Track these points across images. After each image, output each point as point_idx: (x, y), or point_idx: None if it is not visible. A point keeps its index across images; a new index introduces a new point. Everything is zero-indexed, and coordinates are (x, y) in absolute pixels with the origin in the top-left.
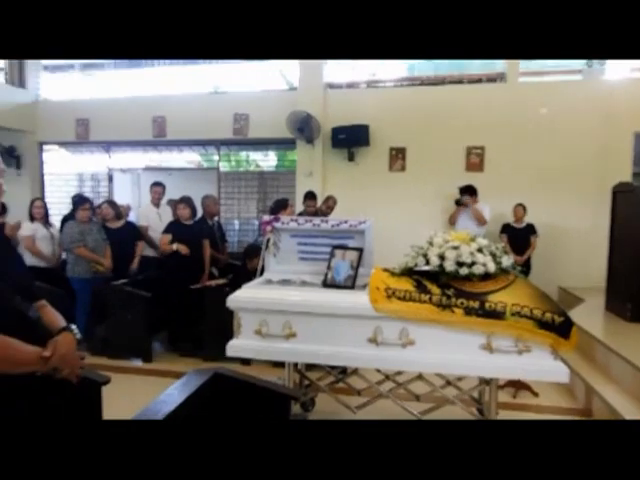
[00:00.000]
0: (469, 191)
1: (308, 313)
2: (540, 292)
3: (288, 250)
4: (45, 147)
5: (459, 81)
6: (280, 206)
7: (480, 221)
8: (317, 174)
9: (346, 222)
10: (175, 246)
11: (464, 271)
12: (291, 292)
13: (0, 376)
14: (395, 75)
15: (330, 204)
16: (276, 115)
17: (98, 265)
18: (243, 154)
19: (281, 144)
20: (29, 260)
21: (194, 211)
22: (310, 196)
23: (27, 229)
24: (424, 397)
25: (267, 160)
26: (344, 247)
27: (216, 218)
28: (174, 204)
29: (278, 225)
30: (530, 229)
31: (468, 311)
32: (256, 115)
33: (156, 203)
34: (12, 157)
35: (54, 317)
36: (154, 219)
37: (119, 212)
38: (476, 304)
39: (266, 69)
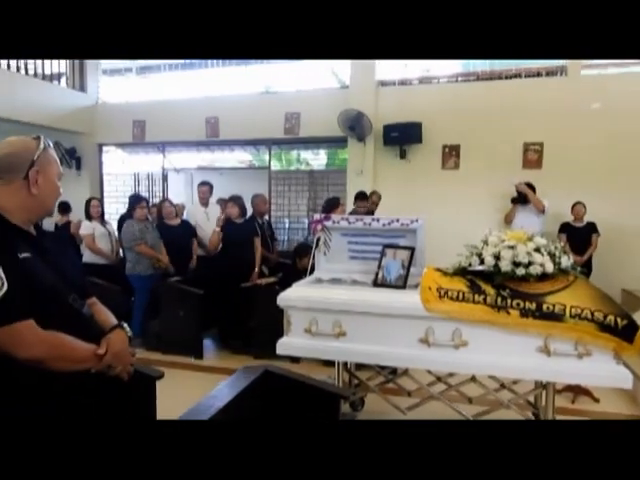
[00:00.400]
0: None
1: (358, 312)
2: (602, 294)
3: (338, 249)
4: (104, 148)
5: (516, 75)
6: (333, 205)
7: (538, 207)
8: (368, 172)
9: (397, 221)
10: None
11: (520, 271)
12: (341, 291)
13: (56, 373)
14: (449, 71)
15: (374, 199)
16: (327, 114)
17: (157, 262)
18: (294, 153)
19: (332, 142)
20: (88, 257)
21: (243, 210)
22: (361, 197)
23: (87, 227)
24: (477, 400)
25: (318, 159)
26: (395, 246)
27: (266, 217)
28: (223, 203)
29: (329, 224)
30: (591, 228)
31: (524, 312)
32: (307, 114)
33: (203, 202)
34: (73, 158)
35: (105, 314)
36: (202, 218)
37: (177, 210)
38: (533, 305)
39: (317, 68)
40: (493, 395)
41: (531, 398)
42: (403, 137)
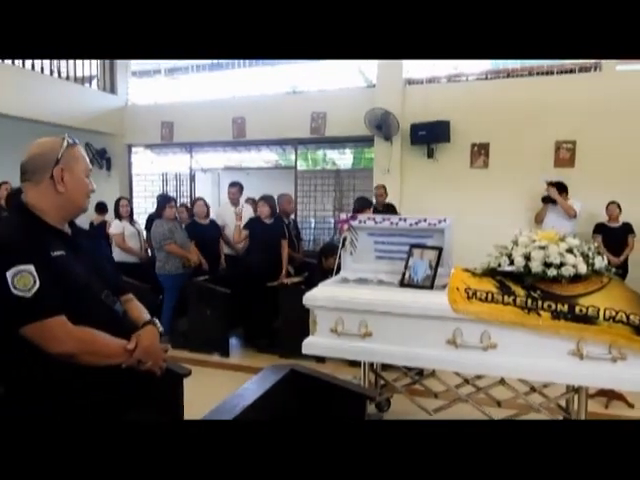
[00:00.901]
0: (558, 187)
1: (385, 312)
2: (638, 296)
3: (365, 249)
4: (133, 149)
5: (548, 72)
6: (364, 204)
7: (569, 213)
8: (395, 171)
9: (425, 220)
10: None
11: (552, 272)
12: (367, 291)
13: (86, 368)
14: (478, 68)
15: (380, 192)
16: (353, 113)
17: (187, 261)
18: (320, 152)
19: (358, 142)
20: (118, 256)
21: (274, 210)
22: (380, 185)
23: (116, 227)
24: (506, 403)
25: (344, 158)
26: (422, 246)
27: (292, 216)
28: (253, 203)
29: (355, 223)
30: (627, 228)
31: (556, 315)
32: (333, 113)
33: (234, 203)
34: (103, 159)
35: (139, 311)
36: (231, 218)
37: (208, 210)
38: (565, 307)
39: (344, 67)
40: (523, 399)
41: (562, 402)
42: (431, 136)
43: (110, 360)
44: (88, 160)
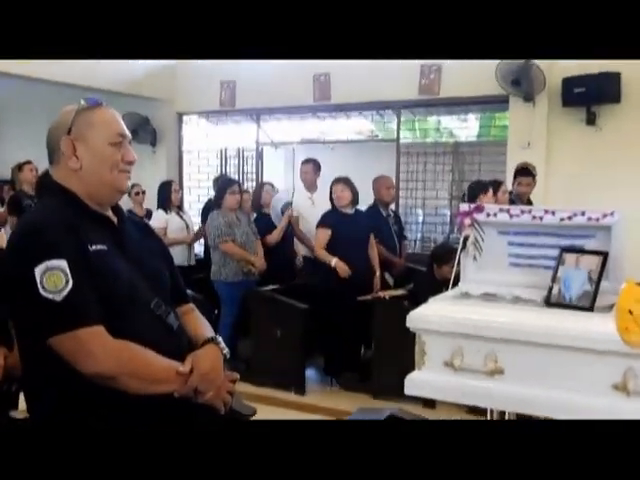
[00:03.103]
0: None
1: (522, 342)
2: None
3: (495, 252)
4: (184, 118)
5: None
6: (478, 190)
7: None
8: (538, 145)
9: (582, 214)
10: (333, 262)
11: None
12: (498, 311)
13: (125, 395)
14: None
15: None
16: (479, 64)
17: (250, 265)
18: (432, 120)
19: (486, 104)
20: None
21: (355, 196)
22: (523, 172)
23: (158, 218)
24: None
25: (465, 127)
26: (579, 250)
27: (392, 207)
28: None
29: (481, 217)
30: None
31: None
32: (451, 66)
33: (308, 185)
34: (146, 132)
35: (198, 326)
36: (306, 207)
37: None
38: None
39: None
40: None
41: None
42: (592, 94)
43: (159, 387)
44: (119, 123)
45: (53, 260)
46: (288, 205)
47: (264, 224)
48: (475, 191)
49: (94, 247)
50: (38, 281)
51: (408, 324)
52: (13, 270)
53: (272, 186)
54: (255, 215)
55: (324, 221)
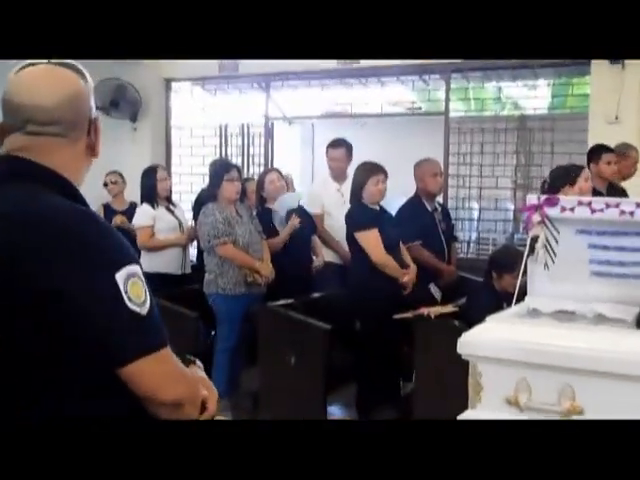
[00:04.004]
0: None
1: (607, 374)
2: None
3: (572, 257)
4: (173, 85)
5: None
6: (566, 177)
7: None
8: (629, 118)
9: None
10: (406, 277)
11: None
12: (577, 334)
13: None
14: None
15: (634, 157)
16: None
17: (254, 272)
18: (490, 87)
19: (561, 67)
20: (146, 264)
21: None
22: (604, 149)
23: (144, 215)
24: None
25: (534, 96)
26: None
27: (439, 199)
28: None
29: (554, 213)
30: None
31: None
32: None
33: (336, 175)
34: (125, 103)
35: None
36: (333, 201)
37: (289, 185)
38: None
39: None
40: None
41: None
42: None
43: (201, 416)
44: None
45: (133, 265)
46: (292, 213)
47: (266, 222)
48: (562, 177)
49: None
50: (122, 290)
51: (459, 350)
52: (80, 277)
53: (280, 174)
54: (256, 210)
55: (368, 220)
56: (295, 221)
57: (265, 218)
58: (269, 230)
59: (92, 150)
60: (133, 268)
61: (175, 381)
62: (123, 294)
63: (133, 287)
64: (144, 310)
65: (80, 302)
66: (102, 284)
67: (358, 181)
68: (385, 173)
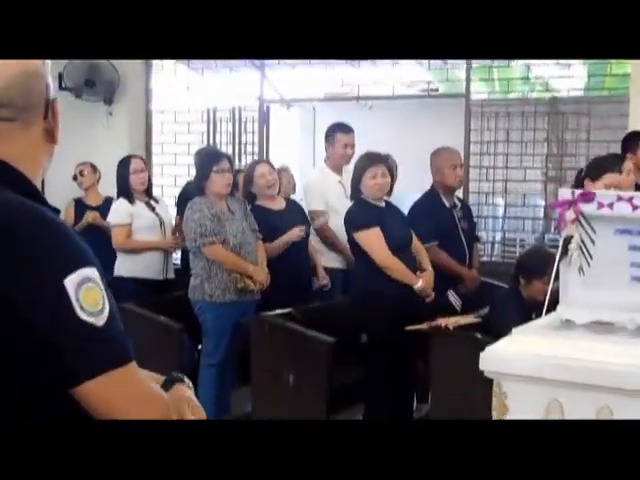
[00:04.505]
0: None
1: None
2: None
3: (610, 261)
4: (154, 63)
5: None
6: (600, 168)
7: None
8: None
9: None
10: (420, 283)
11: None
12: (616, 349)
13: None
14: None
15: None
16: None
17: (246, 279)
18: (517, 66)
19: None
20: (123, 268)
21: (393, 182)
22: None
23: (120, 212)
24: None
25: (568, 77)
26: None
27: (459, 194)
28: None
29: (589, 209)
30: None
31: None
32: None
33: (338, 165)
34: (100, 84)
35: None
36: (335, 196)
37: (283, 180)
38: None
39: None
40: None
41: None
42: None
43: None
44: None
45: (87, 267)
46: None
47: (263, 220)
48: (596, 169)
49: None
50: (73, 297)
51: (482, 366)
52: (19, 283)
53: (272, 166)
54: (252, 205)
55: (368, 218)
56: (296, 231)
57: (255, 218)
58: (264, 232)
59: (51, 136)
60: (87, 271)
61: (141, 403)
62: (74, 302)
63: (87, 294)
64: (100, 320)
65: (23, 313)
66: (47, 291)
67: (355, 174)
68: (386, 164)
